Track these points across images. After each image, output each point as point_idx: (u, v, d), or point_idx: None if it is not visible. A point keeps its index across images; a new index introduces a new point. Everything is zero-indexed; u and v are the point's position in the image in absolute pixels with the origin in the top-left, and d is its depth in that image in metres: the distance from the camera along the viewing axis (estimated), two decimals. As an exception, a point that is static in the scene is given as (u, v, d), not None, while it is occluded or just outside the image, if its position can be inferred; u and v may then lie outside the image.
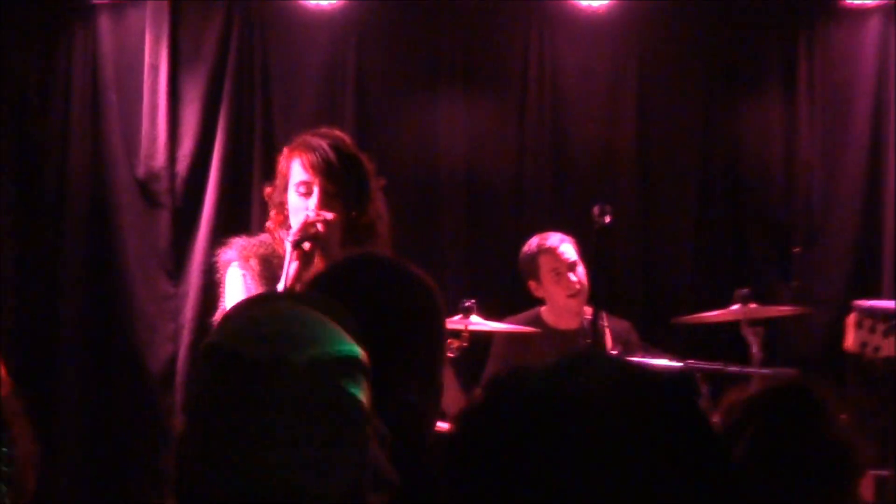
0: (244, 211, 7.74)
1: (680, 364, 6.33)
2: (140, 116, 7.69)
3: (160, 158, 7.63)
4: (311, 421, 1.91)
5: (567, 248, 6.84)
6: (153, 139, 7.68)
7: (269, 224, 5.02)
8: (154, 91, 7.67)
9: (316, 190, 4.81)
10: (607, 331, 6.41)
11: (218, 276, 5.14)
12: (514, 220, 7.74)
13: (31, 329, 7.39)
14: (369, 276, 3.06)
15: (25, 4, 7.65)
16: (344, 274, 3.15)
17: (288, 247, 4.73)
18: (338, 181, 4.83)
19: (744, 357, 6.41)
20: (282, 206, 4.91)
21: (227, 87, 7.70)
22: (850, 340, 6.11)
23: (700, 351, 6.58)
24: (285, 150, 4.97)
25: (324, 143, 4.85)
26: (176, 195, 7.67)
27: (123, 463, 7.48)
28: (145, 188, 7.67)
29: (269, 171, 7.18)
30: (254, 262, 4.84)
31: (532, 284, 6.91)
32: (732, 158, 8.07)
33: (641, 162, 7.94)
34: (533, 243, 6.94)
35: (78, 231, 7.73)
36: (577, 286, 6.78)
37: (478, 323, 6.16)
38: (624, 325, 6.87)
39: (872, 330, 5.92)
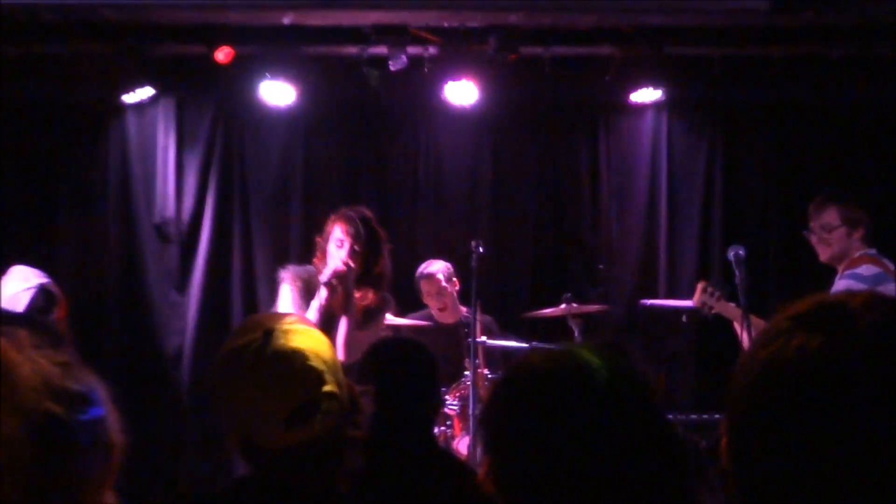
0: (228, 245, 9.12)
1: (526, 345, 7.45)
2: (156, 181, 9.06)
3: (170, 210, 9.04)
4: None
5: (430, 276, 8.13)
6: (165, 197, 9.07)
7: (315, 260, 6.38)
8: (165, 164, 9.07)
9: (346, 246, 6.22)
10: (479, 323, 7.35)
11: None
12: (409, 247, 8.89)
13: (82, 326, 7.98)
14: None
15: (79, 103, 8.89)
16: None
17: (323, 279, 6.13)
18: (362, 244, 6.27)
19: (570, 340, 7.38)
20: (324, 253, 6.32)
21: (216, 160, 9.17)
22: (696, 299, 6.93)
23: (539, 336, 7.57)
24: (332, 216, 6.43)
25: (356, 218, 6.35)
26: (181, 235, 9.09)
27: (145, 419, 8.26)
28: (160, 230, 9.07)
29: (246, 223, 8.94)
30: (299, 283, 6.28)
31: (420, 296, 8.17)
32: (557, 202, 9.34)
33: (495, 206, 9.29)
34: (418, 270, 8.22)
35: (116, 258, 9.05)
36: (441, 305, 8.07)
37: (391, 319, 7.06)
38: (488, 318, 7.93)
39: (711, 295, 6.82)
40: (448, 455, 4.83)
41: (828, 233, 6.83)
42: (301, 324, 2.84)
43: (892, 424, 1.37)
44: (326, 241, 6.37)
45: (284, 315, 2.92)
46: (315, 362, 2.73)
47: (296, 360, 2.71)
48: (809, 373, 1.43)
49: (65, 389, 1.99)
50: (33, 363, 2.00)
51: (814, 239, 6.89)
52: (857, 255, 6.77)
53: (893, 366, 1.40)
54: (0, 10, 7.31)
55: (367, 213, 6.53)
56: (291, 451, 2.71)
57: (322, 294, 6.16)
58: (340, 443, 2.81)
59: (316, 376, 2.72)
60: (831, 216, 6.83)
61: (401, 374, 4.18)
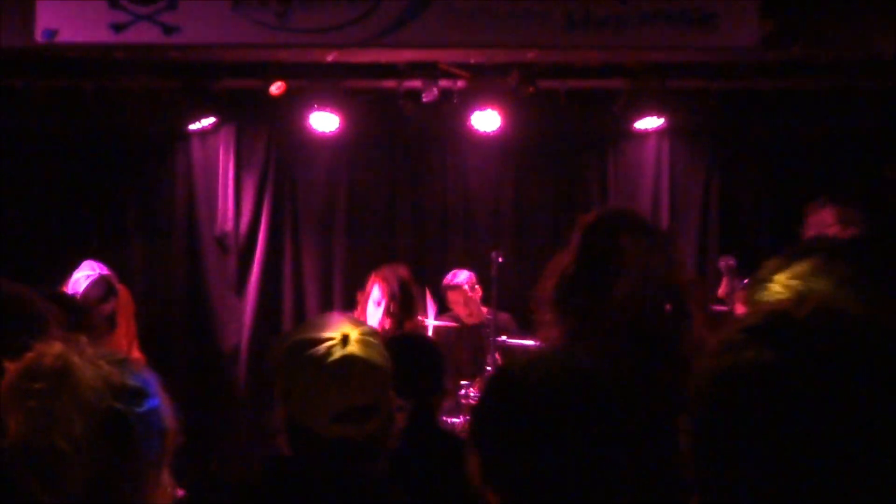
0: (280, 255, 9.16)
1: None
2: (217, 199, 9.11)
3: (229, 224, 9.07)
4: None
5: (458, 286, 8.07)
6: (225, 213, 9.09)
7: (355, 314, 6.46)
8: (225, 184, 9.09)
9: (383, 307, 6.44)
10: (498, 323, 7.34)
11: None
12: (440, 256, 9.06)
13: (153, 326, 8.10)
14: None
15: (150, 131, 8.93)
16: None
17: None
18: (396, 304, 6.44)
19: None
20: (364, 308, 6.47)
21: (270, 181, 9.19)
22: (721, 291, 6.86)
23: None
24: (373, 275, 6.55)
25: (394, 278, 6.49)
26: (239, 246, 9.12)
27: (204, 409, 8.54)
28: (221, 242, 9.12)
29: (296, 236, 9.01)
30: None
31: (447, 302, 8.15)
32: (570, 217, 8.48)
33: (517, 221, 9.31)
34: (445, 280, 8.15)
35: (182, 266, 9.13)
36: (467, 312, 8.04)
37: (424, 321, 7.25)
38: (507, 317, 7.82)
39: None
40: (454, 436, 4.85)
41: (820, 231, 6.92)
42: (374, 337, 2.84)
43: (837, 435, 1.35)
44: (366, 298, 6.52)
45: (363, 324, 2.93)
46: (378, 375, 2.76)
47: (364, 368, 2.72)
48: (761, 386, 1.40)
49: (123, 386, 2.18)
50: (94, 366, 2.19)
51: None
52: None
53: (837, 377, 1.37)
54: (78, 50, 7.42)
55: (404, 273, 6.65)
56: (335, 443, 2.70)
57: None
58: (378, 447, 2.80)
59: (376, 387, 2.76)
60: (828, 215, 6.89)
61: (410, 365, 4.05)
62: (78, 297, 6.16)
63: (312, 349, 2.74)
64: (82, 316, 3.01)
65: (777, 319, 1.45)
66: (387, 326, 6.36)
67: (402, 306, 6.48)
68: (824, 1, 7.27)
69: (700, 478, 1.49)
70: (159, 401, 2.25)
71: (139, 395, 2.22)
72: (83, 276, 6.34)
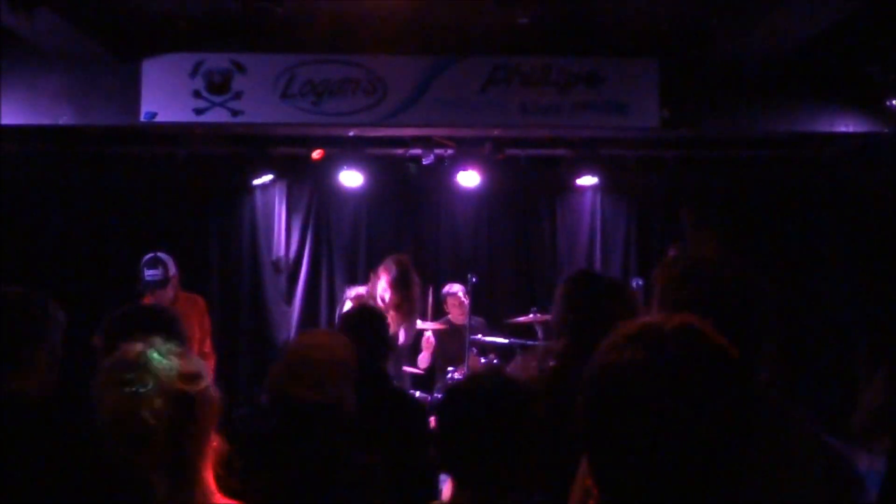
0: (318, 275, 9.06)
1: (507, 340, 7.54)
2: (273, 233, 9.06)
3: (281, 251, 9.06)
4: None
5: (455, 293, 8.00)
6: (279, 243, 9.06)
7: (368, 285, 6.54)
8: (279, 223, 9.07)
9: (384, 283, 6.32)
10: (474, 325, 7.49)
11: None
12: (435, 276, 8.50)
13: (224, 327, 8.36)
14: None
15: (224, 185, 8.88)
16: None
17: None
18: (397, 288, 6.31)
19: (535, 338, 7.58)
20: (374, 283, 6.40)
21: (311, 221, 9.14)
22: None
23: (517, 335, 7.66)
24: (385, 260, 6.44)
25: (394, 262, 6.37)
26: (288, 268, 9.10)
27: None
28: (275, 265, 9.07)
29: (330, 261, 8.86)
30: (356, 300, 6.42)
31: (445, 306, 8.07)
32: (529, 249, 9.20)
33: (490, 252, 9.21)
34: (444, 289, 8.10)
35: (247, 281, 9.06)
36: (461, 312, 7.88)
37: (420, 324, 7.08)
38: (482, 320, 7.92)
39: None
40: (401, 392, 4.65)
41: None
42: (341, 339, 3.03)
43: (687, 416, 1.32)
44: (377, 275, 6.48)
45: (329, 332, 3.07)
46: (341, 366, 2.89)
47: (326, 356, 2.87)
48: (635, 376, 1.37)
49: (187, 372, 2.26)
50: (167, 357, 2.26)
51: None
52: None
53: (688, 374, 1.35)
54: (170, 128, 7.48)
55: (404, 259, 6.58)
56: (307, 407, 2.76)
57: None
58: (337, 412, 2.82)
59: (328, 368, 2.86)
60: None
61: (364, 327, 4.06)
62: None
63: (296, 344, 3.02)
64: (171, 324, 3.00)
65: (648, 329, 1.43)
66: (388, 299, 6.28)
67: (400, 282, 6.37)
68: (706, 94, 7.27)
69: (587, 447, 1.45)
70: (208, 381, 2.31)
71: (197, 377, 2.29)
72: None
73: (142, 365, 2.24)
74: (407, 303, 6.39)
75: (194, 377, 2.29)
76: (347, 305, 6.47)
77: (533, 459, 2.21)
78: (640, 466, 1.36)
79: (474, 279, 7.35)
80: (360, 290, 6.63)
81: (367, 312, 4.27)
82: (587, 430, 1.43)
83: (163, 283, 6.32)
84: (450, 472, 2.26)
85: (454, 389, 2.33)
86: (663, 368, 1.36)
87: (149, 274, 6.34)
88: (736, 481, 1.35)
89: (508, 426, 2.17)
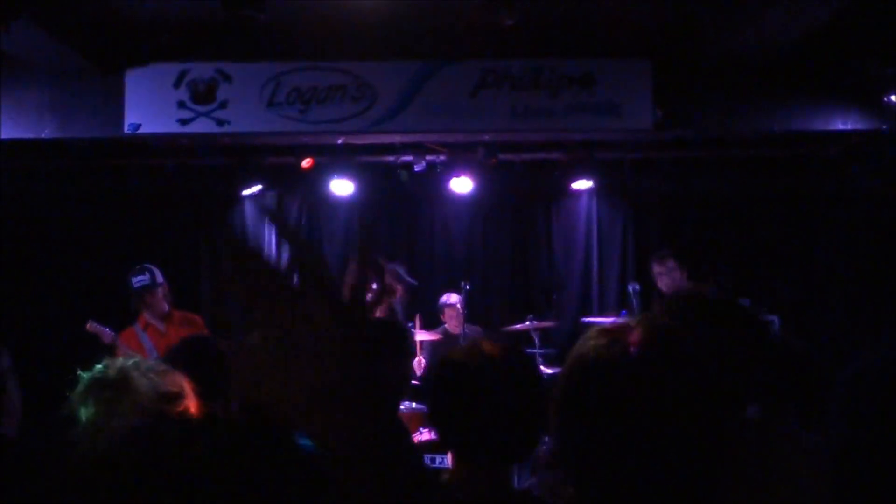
0: None
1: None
2: (263, 244, 9.43)
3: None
4: None
5: (453, 305, 7.94)
6: (269, 254, 9.48)
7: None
8: (270, 234, 9.22)
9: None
10: (469, 334, 7.51)
11: None
12: (428, 284, 8.64)
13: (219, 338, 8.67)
14: None
15: (214, 195, 8.82)
16: None
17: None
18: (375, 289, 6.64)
19: (532, 345, 7.62)
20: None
21: (302, 230, 8.88)
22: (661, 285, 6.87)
23: (514, 342, 6.88)
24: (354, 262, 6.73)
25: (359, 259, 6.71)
26: None
27: None
28: None
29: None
30: None
31: (442, 316, 8.07)
32: (525, 254, 9.23)
33: (484, 258, 9.20)
34: (441, 300, 8.08)
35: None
36: (458, 322, 7.83)
37: (419, 332, 7.35)
38: (478, 329, 7.88)
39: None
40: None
41: (669, 273, 6.92)
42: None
43: (647, 400, 1.36)
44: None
45: None
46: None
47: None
48: (600, 361, 1.42)
49: (166, 392, 2.24)
50: (146, 378, 2.25)
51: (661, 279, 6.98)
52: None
53: (652, 366, 1.37)
54: (150, 140, 7.44)
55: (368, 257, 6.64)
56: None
57: None
58: None
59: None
60: (672, 262, 6.95)
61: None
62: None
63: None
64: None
65: (620, 326, 1.47)
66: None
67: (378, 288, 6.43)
68: (700, 94, 7.22)
69: (558, 427, 1.48)
70: (188, 399, 2.29)
71: (177, 397, 2.28)
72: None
73: (120, 384, 2.22)
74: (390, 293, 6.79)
75: (174, 397, 2.27)
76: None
77: (531, 431, 2.19)
78: (604, 460, 1.38)
79: (468, 287, 7.36)
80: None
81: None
82: (557, 420, 1.46)
83: (151, 286, 6.34)
84: (448, 446, 2.25)
85: (448, 361, 2.27)
86: (627, 364, 1.38)
87: (136, 280, 6.35)
88: (701, 483, 1.35)
89: (505, 396, 2.14)
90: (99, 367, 2.29)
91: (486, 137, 7.78)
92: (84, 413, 2.18)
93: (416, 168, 8.17)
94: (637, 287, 7.05)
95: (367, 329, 2.66)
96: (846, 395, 1.57)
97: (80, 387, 2.24)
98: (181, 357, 3.33)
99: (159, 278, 6.48)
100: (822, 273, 8.22)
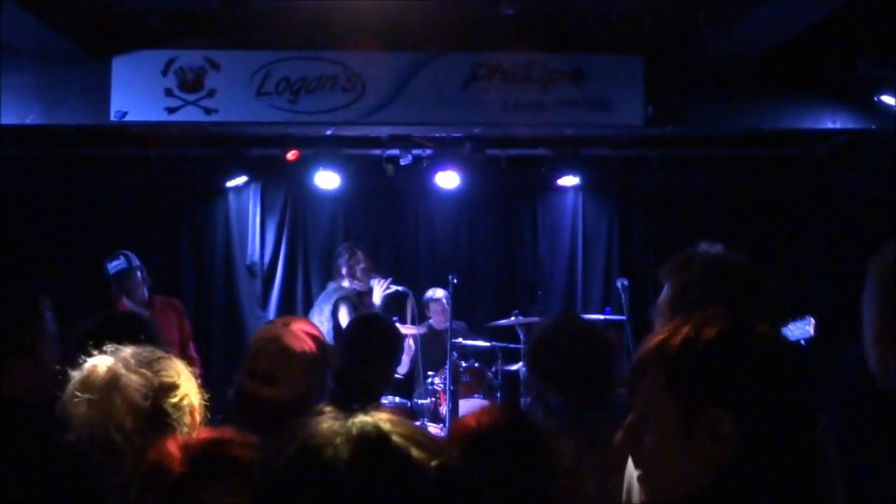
0: (294, 279, 8.98)
1: (488, 344, 7.67)
2: (247, 237, 8.96)
3: (256, 255, 8.97)
4: None
5: (438, 300, 8.05)
6: (253, 247, 8.96)
7: None
8: (253, 226, 8.96)
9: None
10: (454, 329, 7.46)
11: None
12: (413, 278, 8.68)
13: (199, 331, 7.92)
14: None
15: (197, 187, 8.82)
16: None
17: None
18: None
19: (517, 341, 7.73)
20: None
21: (287, 224, 9.05)
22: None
23: (498, 338, 7.83)
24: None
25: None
26: (263, 272, 9.01)
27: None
28: (250, 269, 9.00)
29: (307, 265, 8.86)
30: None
31: (426, 311, 8.17)
32: (510, 250, 9.20)
33: (470, 253, 9.17)
34: (426, 295, 8.17)
35: (221, 286, 8.98)
36: (443, 318, 7.89)
37: (403, 326, 7.10)
38: (463, 324, 7.98)
39: None
40: None
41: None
42: (301, 329, 2.91)
43: None
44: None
45: (297, 320, 3.00)
46: (283, 353, 2.78)
47: (276, 347, 2.79)
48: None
49: (160, 384, 2.20)
50: (137, 373, 2.19)
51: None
52: None
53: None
54: (137, 128, 7.36)
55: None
56: (262, 403, 2.72)
57: None
58: (286, 408, 2.72)
59: (280, 361, 2.76)
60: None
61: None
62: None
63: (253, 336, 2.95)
64: (147, 329, 2.90)
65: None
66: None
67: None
68: (691, 91, 7.25)
69: None
70: (184, 387, 2.26)
71: (170, 389, 2.23)
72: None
73: (110, 384, 2.18)
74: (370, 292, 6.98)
75: (168, 389, 2.23)
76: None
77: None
78: None
79: (455, 280, 7.31)
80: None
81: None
82: None
83: (127, 270, 6.31)
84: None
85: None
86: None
87: (112, 266, 6.34)
88: None
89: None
90: (87, 364, 2.24)
91: (477, 130, 7.77)
92: (76, 416, 2.15)
93: (402, 162, 8.12)
94: (626, 283, 7.09)
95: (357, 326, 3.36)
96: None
97: (70, 388, 2.19)
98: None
99: (135, 261, 6.46)
100: (809, 272, 8.26)
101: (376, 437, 1.11)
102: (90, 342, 2.33)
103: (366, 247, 7.58)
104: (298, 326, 2.90)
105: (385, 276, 7.26)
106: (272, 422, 2.51)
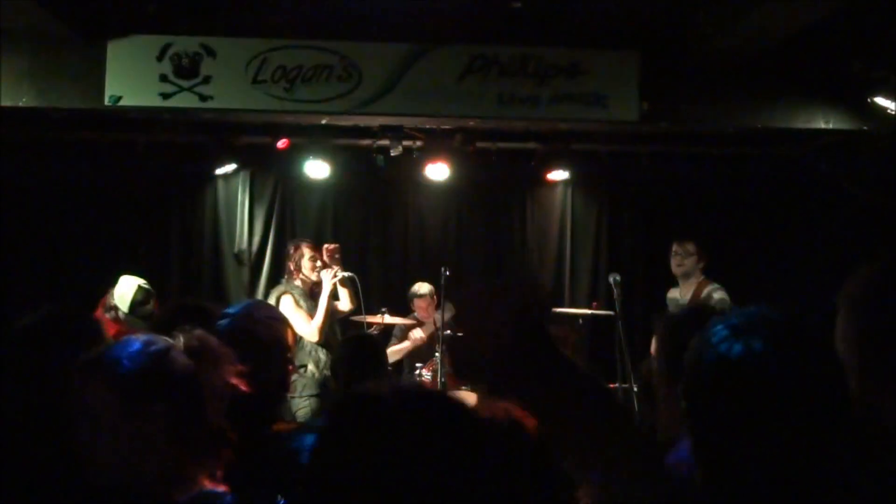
0: (281, 268, 8.12)
1: None
2: (236, 225, 8.98)
3: (244, 244, 8.98)
4: None
5: (424, 295, 8.00)
6: (241, 235, 8.97)
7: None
8: (242, 214, 8.98)
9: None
10: (444, 321, 7.18)
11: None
12: (402, 271, 9.03)
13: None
14: None
15: (186, 173, 8.78)
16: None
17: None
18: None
19: None
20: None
21: (275, 212, 9.08)
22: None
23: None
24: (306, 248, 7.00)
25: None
26: (251, 260, 9.03)
27: None
28: (238, 257, 9.01)
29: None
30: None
31: (411, 306, 8.12)
32: (498, 243, 9.31)
33: (458, 246, 9.24)
34: (412, 290, 8.08)
35: (209, 274, 9.01)
36: (424, 313, 7.96)
37: (388, 318, 7.39)
38: (450, 305, 7.44)
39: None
40: None
41: (686, 257, 7.04)
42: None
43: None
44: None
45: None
46: (259, 347, 2.91)
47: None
48: (757, 369, 1.47)
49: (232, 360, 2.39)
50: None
51: (676, 259, 7.01)
52: (701, 277, 6.94)
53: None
54: (135, 112, 7.31)
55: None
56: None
57: None
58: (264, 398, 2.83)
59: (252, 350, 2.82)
60: (692, 247, 7.06)
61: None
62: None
63: None
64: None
65: (761, 318, 1.50)
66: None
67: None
68: (686, 88, 7.31)
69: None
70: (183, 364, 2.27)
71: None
72: (126, 289, 6.10)
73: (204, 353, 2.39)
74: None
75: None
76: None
77: None
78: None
79: (447, 272, 7.31)
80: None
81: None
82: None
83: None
84: None
85: None
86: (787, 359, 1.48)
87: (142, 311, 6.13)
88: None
89: None
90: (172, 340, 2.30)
91: (472, 123, 7.79)
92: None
93: (393, 153, 8.11)
94: (618, 278, 7.12)
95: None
96: None
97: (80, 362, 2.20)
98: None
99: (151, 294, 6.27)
100: (799, 272, 8.31)
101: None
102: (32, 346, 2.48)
103: (311, 240, 7.50)
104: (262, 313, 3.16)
105: (337, 267, 7.13)
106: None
